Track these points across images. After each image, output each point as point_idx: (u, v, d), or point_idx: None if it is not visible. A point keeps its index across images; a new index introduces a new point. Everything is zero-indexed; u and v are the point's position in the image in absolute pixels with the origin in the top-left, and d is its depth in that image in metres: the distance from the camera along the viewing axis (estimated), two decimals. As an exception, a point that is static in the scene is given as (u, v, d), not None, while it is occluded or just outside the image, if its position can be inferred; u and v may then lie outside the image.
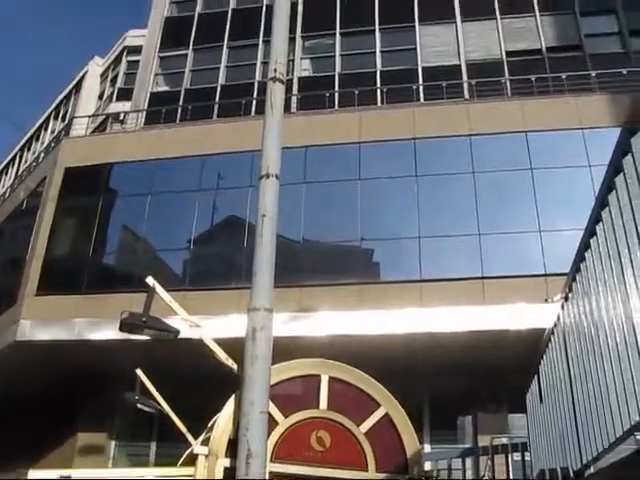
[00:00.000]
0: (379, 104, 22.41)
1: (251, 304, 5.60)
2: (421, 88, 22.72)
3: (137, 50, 31.00)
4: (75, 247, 21.16)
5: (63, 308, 18.47)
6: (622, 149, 4.21)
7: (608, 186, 4.54)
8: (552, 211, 17.60)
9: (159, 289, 6.99)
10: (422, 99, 22.25)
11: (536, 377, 7.45)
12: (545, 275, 16.28)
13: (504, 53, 23.70)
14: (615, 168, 4.39)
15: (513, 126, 18.93)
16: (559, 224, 16.87)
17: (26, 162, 41.37)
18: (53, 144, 29.50)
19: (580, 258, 5.43)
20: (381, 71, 24.04)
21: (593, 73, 21.41)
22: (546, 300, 14.52)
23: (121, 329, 7.19)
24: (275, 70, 6.24)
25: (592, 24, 24.10)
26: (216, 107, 24.02)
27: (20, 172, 39.85)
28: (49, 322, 18.28)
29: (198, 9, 27.90)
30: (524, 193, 18.00)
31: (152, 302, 7.15)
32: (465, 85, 22.55)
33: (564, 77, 21.14)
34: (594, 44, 23.61)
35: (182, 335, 7.44)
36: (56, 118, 40.68)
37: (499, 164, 18.54)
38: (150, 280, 7.04)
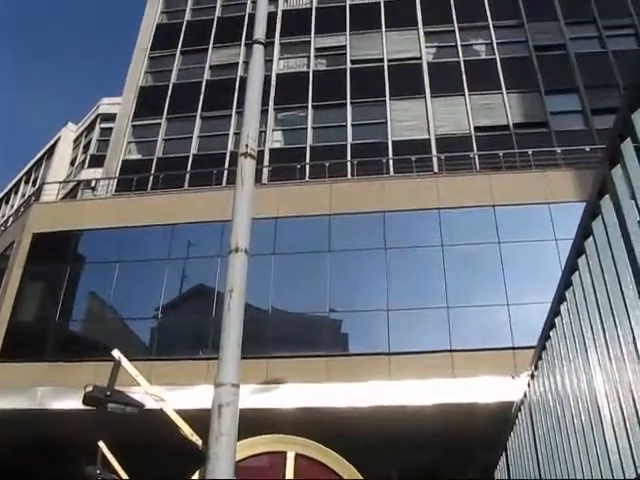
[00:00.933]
0: (349, 176, 22.72)
1: (217, 379, 5.52)
2: (391, 161, 23.10)
3: (111, 117, 31.26)
4: (41, 314, 20.85)
5: (26, 376, 18.06)
6: (583, 232, 4.29)
7: (571, 267, 4.61)
8: (520, 284, 17.76)
9: (125, 362, 6.89)
10: (392, 172, 22.61)
11: (504, 453, 7.41)
12: (513, 348, 16.31)
13: (472, 128, 24.26)
14: (577, 250, 4.46)
15: (481, 200, 19.21)
16: (527, 297, 16.99)
17: (-6, 225, 40.95)
18: (22, 209, 29.31)
19: (545, 336, 5.47)
20: (352, 144, 24.45)
21: (558, 149, 21.96)
22: (512, 377, 14.52)
23: (85, 402, 7.03)
24: (246, 146, 6.30)
25: (557, 102, 24.84)
26: (187, 176, 24.15)
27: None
28: (10, 390, 17.84)
29: (173, 79, 28.29)
30: (492, 266, 18.16)
31: (117, 374, 7.04)
32: (434, 159, 22.95)
33: (530, 153, 21.66)
34: (559, 121, 24.30)
35: (147, 406, 7.31)
36: (27, 182, 40.64)
37: (467, 237, 18.74)
38: (116, 353, 6.95)
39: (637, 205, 3.53)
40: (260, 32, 6.95)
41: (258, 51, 6.85)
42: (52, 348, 19.09)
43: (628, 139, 3.53)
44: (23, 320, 20.37)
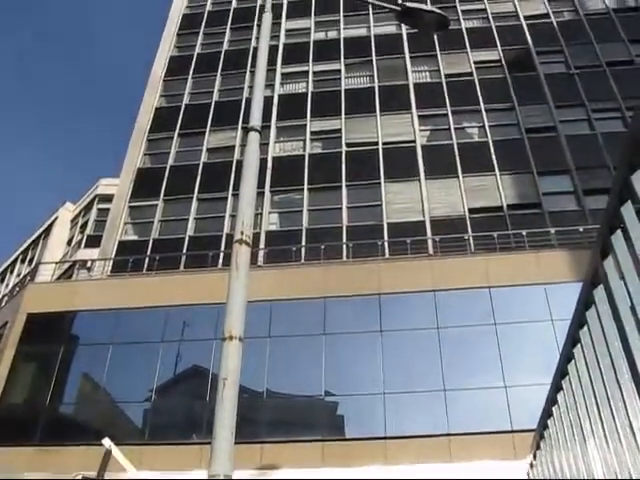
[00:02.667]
0: (345, 259, 22.79)
1: (210, 471, 5.41)
2: (386, 244, 23.21)
3: (108, 198, 31.51)
4: (32, 396, 20.57)
5: (14, 460, 17.68)
6: (578, 322, 4.29)
7: (567, 356, 4.59)
8: (517, 365, 17.64)
9: (115, 451, 6.78)
10: (387, 254, 22.68)
11: None
12: (512, 431, 16.10)
13: (467, 210, 24.46)
14: (572, 339, 4.45)
15: (476, 281, 19.25)
16: (524, 379, 16.86)
17: (-12, 304, 40.75)
18: (18, 288, 29.24)
19: (543, 425, 5.40)
20: (347, 226, 24.60)
21: (552, 230, 22.12)
22: None
23: (74, 493, 6.89)
24: (242, 232, 6.32)
25: (549, 183, 25.14)
26: (183, 258, 24.19)
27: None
28: (-3, 476, 17.44)
29: (170, 161, 28.64)
30: (489, 348, 18.07)
31: (108, 464, 6.92)
32: (429, 241, 23.06)
33: (525, 234, 21.82)
34: (552, 202, 24.55)
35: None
36: (23, 261, 40.66)
37: (463, 319, 18.70)
38: (107, 442, 6.84)
39: (630, 295, 3.54)
40: (256, 119, 7.04)
41: (254, 138, 6.91)
42: (42, 432, 18.77)
43: (618, 230, 3.56)
44: (13, 402, 20.12)
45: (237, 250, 6.28)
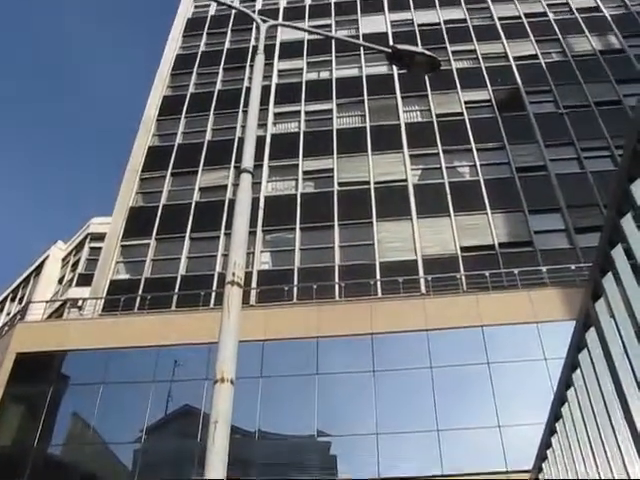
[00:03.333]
0: (337, 298, 22.77)
1: (200, 516, 5.35)
2: (379, 283, 23.19)
3: (100, 237, 31.47)
4: (21, 437, 20.34)
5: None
6: (571, 364, 4.28)
7: (560, 399, 4.57)
8: (511, 405, 17.58)
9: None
10: (380, 293, 22.65)
11: None
12: (507, 472, 16.00)
13: (459, 249, 24.50)
14: (566, 382, 4.44)
15: (469, 320, 19.24)
16: (519, 418, 16.80)
17: (-23, 344, 40.40)
18: (7, 327, 29.03)
19: (538, 468, 5.38)
20: (339, 265, 24.60)
21: (544, 268, 22.18)
22: None
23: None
24: (233, 274, 6.31)
25: (540, 221, 25.27)
26: (175, 297, 24.10)
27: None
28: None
29: (163, 200, 28.65)
30: (482, 387, 18.03)
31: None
32: (422, 280, 23.05)
33: (517, 272, 21.85)
34: (543, 240, 24.65)
35: None
36: (13, 300, 40.40)
37: (456, 358, 18.66)
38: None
39: (621, 338, 3.55)
40: (248, 161, 7.06)
41: (246, 180, 6.91)
42: (30, 474, 18.51)
43: (609, 273, 3.58)
44: (1, 444, 19.87)
45: (229, 292, 6.27)
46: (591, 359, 4.09)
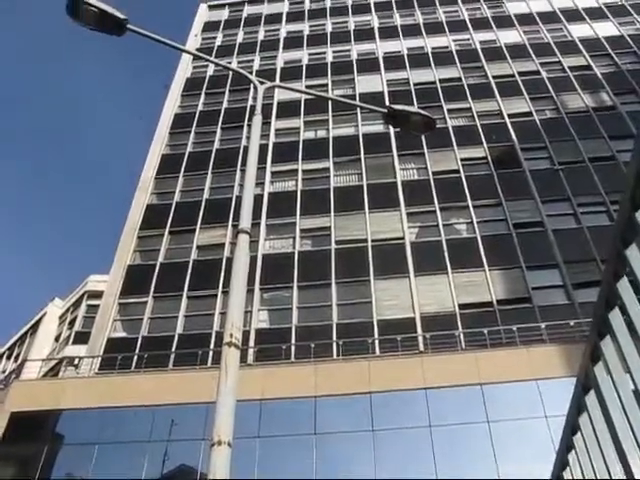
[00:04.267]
0: (335, 356, 22.62)
1: None
2: (376, 341, 23.08)
3: (98, 295, 31.39)
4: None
5: None
6: (571, 428, 4.25)
7: (562, 462, 4.53)
8: (512, 464, 17.33)
9: None
10: (378, 352, 22.53)
11: None
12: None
13: (456, 306, 24.45)
14: (567, 445, 4.40)
15: (468, 378, 19.11)
16: (520, 476, 16.52)
17: (-28, 403, 39.98)
18: (2, 386, 28.78)
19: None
20: (337, 323, 24.50)
21: (542, 325, 22.12)
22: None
23: None
24: (231, 335, 6.28)
25: (538, 277, 25.32)
26: (172, 356, 23.94)
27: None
28: None
29: (160, 258, 28.67)
30: (482, 446, 17.82)
31: None
32: (420, 338, 22.95)
33: (515, 329, 21.77)
34: (542, 296, 24.64)
35: None
36: (9, 358, 40.12)
37: (456, 417, 18.50)
38: None
39: (621, 401, 3.53)
40: (246, 221, 7.08)
41: (243, 240, 6.91)
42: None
43: (607, 336, 3.59)
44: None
45: (226, 353, 6.23)
46: (591, 422, 4.06)
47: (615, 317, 3.47)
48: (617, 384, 3.48)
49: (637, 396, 3.15)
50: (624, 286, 3.35)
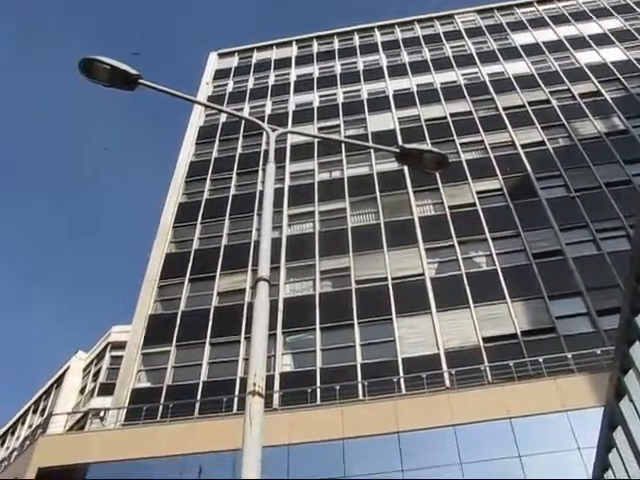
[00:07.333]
0: (361, 397, 22.43)
1: None
2: (402, 379, 22.89)
3: (121, 345, 31.43)
4: None
5: None
6: (601, 466, 4.22)
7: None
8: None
9: None
10: (404, 390, 22.32)
11: None
12: None
13: (480, 340, 24.25)
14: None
15: (496, 413, 18.92)
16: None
17: (-2, 459, 40.02)
18: (28, 441, 28.82)
19: None
20: (361, 364, 24.33)
21: (569, 354, 21.87)
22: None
23: None
24: (254, 384, 6.27)
25: (561, 306, 25.10)
26: (198, 404, 23.86)
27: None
28: None
29: (182, 307, 28.75)
30: (516, 482, 17.50)
31: None
32: (445, 374, 22.75)
33: (541, 360, 21.55)
34: (566, 325, 24.41)
35: None
36: (35, 412, 40.15)
37: (486, 453, 18.25)
38: None
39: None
40: (264, 269, 7.10)
41: (263, 288, 6.92)
42: None
43: (630, 371, 3.58)
44: None
45: (250, 402, 6.23)
46: (621, 458, 4.03)
47: (637, 351, 3.44)
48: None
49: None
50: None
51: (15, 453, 29.73)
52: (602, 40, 41.31)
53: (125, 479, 19.79)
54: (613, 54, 39.61)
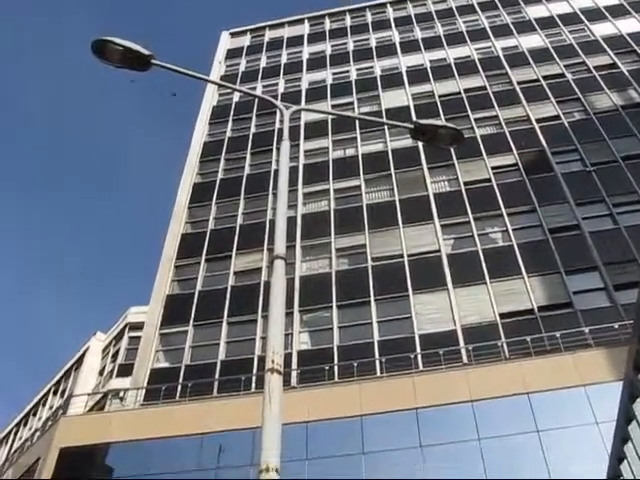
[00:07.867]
0: (378, 374, 22.48)
1: None
2: (419, 356, 22.92)
3: (139, 326, 31.60)
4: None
5: None
6: (621, 438, 4.22)
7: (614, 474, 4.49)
8: (565, 474, 16.98)
9: None
10: (421, 366, 22.34)
11: None
12: None
13: (497, 316, 24.19)
14: (618, 458, 4.36)
15: (514, 388, 18.90)
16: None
17: (21, 438, 40.55)
18: (50, 422, 29.10)
19: None
20: (378, 341, 24.38)
21: (586, 329, 21.79)
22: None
23: None
24: (272, 361, 6.29)
25: (578, 281, 24.95)
26: (216, 383, 24.01)
27: (14, 449, 38.93)
28: None
29: (198, 287, 28.87)
30: (534, 456, 17.52)
31: None
32: (463, 350, 22.76)
33: (559, 335, 21.48)
34: (583, 300, 24.28)
35: None
36: (55, 394, 40.54)
37: (504, 428, 18.26)
38: None
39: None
40: (281, 247, 7.11)
41: (279, 266, 6.95)
42: None
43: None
44: None
45: (269, 379, 6.24)
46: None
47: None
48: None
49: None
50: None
51: (37, 434, 30.12)
52: (618, 11, 40.75)
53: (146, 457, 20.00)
54: (629, 25, 39.07)
